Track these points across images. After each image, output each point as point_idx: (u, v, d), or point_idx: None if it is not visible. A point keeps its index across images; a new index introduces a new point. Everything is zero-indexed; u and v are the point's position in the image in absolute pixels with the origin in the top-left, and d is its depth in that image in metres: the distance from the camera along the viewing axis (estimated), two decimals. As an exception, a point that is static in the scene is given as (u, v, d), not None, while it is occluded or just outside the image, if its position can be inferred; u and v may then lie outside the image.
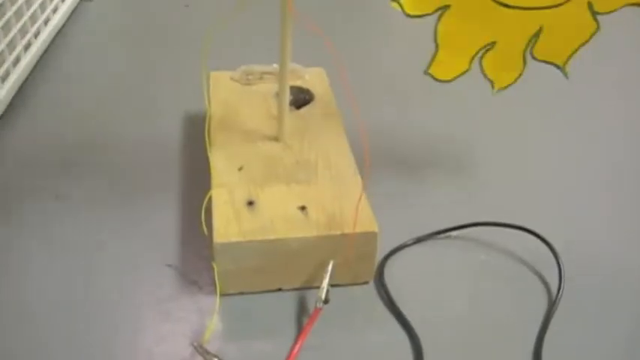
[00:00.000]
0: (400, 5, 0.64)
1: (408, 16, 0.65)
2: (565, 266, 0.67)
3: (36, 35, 1.05)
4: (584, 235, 0.74)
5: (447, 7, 0.66)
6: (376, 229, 0.63)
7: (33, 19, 1.03)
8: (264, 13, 0.75)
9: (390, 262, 0.69)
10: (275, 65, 0.85)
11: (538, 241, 0.70)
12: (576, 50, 0.70)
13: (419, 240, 0.72)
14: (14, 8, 0.95)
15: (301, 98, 0.84)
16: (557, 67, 0.72)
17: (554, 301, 0.64)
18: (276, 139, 0.77)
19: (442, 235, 0.73)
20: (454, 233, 0.73)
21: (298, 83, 0.86)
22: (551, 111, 0.95)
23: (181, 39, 1.15)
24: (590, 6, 0.67)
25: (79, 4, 1.25)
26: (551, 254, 0.69)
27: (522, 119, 0.92)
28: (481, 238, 0.72)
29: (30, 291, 0.64)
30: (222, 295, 0.62)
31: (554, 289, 0.66)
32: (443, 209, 0.77)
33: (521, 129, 0.91)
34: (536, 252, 0.70)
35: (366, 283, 0.66)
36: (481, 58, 0.70)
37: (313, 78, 0.88)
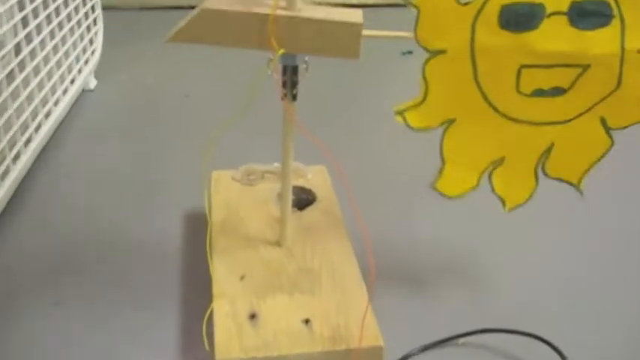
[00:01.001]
0: (404, 119, 0.64)
1: (413, 129, 0.64)
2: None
3: (37, 129, 1.04)
4: (595, 343, 0.72)
5: (452, 120, 0.65)
6: (382, 344, 0.62)
7: (34, 113, 1.03)
8: (265, 111, 0.75)
9: (396, 374, 0.67)
10: (276, 164, 0.85)
11: (548, 348, 0.68)
12: (591, 167, 0.69)
13: (425, 348, 0.70)
14: (15, 105, 0.94)
15: (304, 199, 0.84)
16: (571, 184, 0.70)
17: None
18: (278, 243, 0.76)
19: (449, 343, 0.71)
20: (461, 340, 0.71)
21: (300, 183, 0.86)
22: (561, 216, 0.94)
23: (182, 131, 1.15)
24: (603, 121, 0.66)
25: (80, 94, 1.25)
26: (562, 363, 0.67)
27: (531, 223, 0.91)
28: (490, 345, 0.71)
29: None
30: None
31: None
32: (449, 316, 0.75)
33: (530, 233, 0.90)
34: (546, 360, 0.68)
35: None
36: (490, 174, 0.69)
37: (315, 177, 0.87)
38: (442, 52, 0.62)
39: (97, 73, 1.33)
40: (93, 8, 1.32)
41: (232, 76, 1.33)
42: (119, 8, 1.72)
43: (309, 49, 0.60)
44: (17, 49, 0.99)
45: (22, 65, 0.99)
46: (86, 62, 1.28)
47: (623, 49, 0.62)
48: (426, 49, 0.62)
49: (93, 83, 1.31)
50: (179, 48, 1.39)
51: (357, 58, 0.60)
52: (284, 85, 0.63)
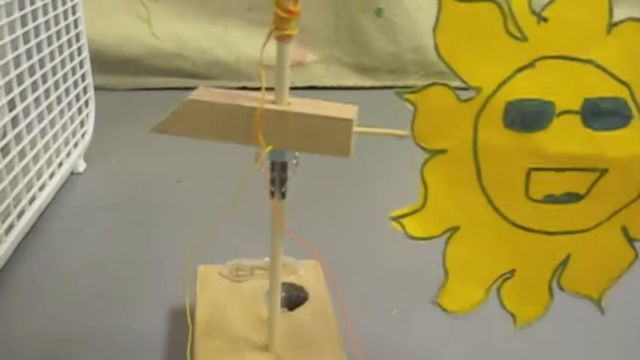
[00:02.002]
0: (402, 226, 0.59)
1: (412, 238, 0.59)
2: None
3: (19, 216, 1.00)
4: None
5: (456, 228, 0.60)
6: None
7: (17, 199, 0.99)
8: (256, 201, 0.71)
9: None
10: (267, 259, 0.80)
11: None
12: (613, 281, 0.62)
13: None
14: (-4, 191, 0.91)
15: (294, 296, 0.79)
16: (591, 300, 0.63)
17: None
18: (266, 348, 0.70)
19: None
20: None
21: (291, 279, 0.81)
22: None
23: (171, 219, 1.11)
24: (624, 231, 0.60)
25: (68, 177, 1.22)
26: None
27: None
28: None
29: None
30: None
31: None
32: None
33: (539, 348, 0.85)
34: None
35: None
36: (499, 288, 0.62)
37: (307, 273, 0.83)
38: (442, 152, 0.57)
39: (87, 156, 1.29)
40: (85, 90, 1.29)
41: (225, 160, 1.29)
42: (112, 88, 1.70)
43: (298, 145, 0.56)
44: (2, 132, 0.95)
45: (6, 149, 0.95)
46: (76, 145, 1.25)
47: None
48: (425, 149, 0.57)
49: (82, 166, 1.27)
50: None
51: (348, 156, 0.56)
52: (272, 182, 0.59)
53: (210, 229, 0.65)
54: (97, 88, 1.34)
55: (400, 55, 1.75)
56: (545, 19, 0.55)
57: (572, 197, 0.59)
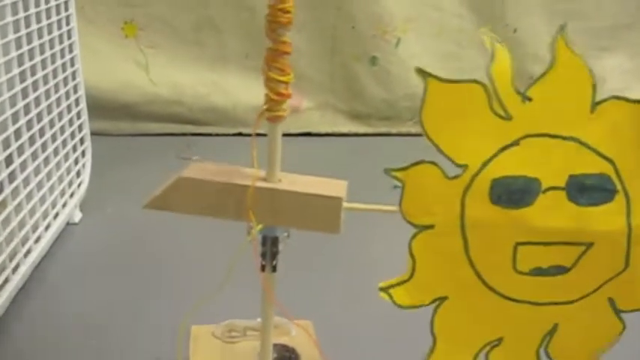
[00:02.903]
0: (389, 296, 0.60)
1: (400, 307, 0.60)
2: None
3: (14, 270, 1.00)
4: None
5: (443, 298, 0.61)
6: None
7: (13, 253, 1.00)
8: (251, 262, 0.72)
9: None
10: (259, 320, 0.81)
11: None
12: (600, 351, 0.63)
13: None
14: (-8, 247, 0.91)
15: (286, 357, 0.80)
16: None
17: None
18: (257, 411, 0.71)
19: None
20: None
21: (284, 340, 0.82)
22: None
23: (165, 274, 1.11)
24: (611, 303, 0.61)
25: (64, 228, 1.22)
26: None
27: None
28: None
29: None
30: None
31: None
32: None
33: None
34: None
35: None
36: (487, 355, 0.63)
37: (300, 334, 0.83)
38: (430, 227, 0.59)
39: (82, 205, 1.30)
40: (82, 140, 1.31)
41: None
42: (108, 134, 1.72)
43: (288, 222, 0.57)
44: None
45: (3, 204, 0.96)
46: (72, 195, 1.26)
47: (629, 226, 0.58)
48: (413, 224, 0.59)
49: (78, 217, 1.28)
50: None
51: (337, 233, 0.57)
52: (263, 256, 0.60)
53: (207, 293, 0.65)
54: (93, 134, 1.35)
55: (394, 103, 1.77)
56: (529, 99, 0.56)
57: (559, 270, 0.60)
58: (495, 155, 0.57)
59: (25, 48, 1.04)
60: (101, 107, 1.65)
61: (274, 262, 0.60)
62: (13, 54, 0.99)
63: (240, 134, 1.76)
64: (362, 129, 1.79)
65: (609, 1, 1.78)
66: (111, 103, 1.71)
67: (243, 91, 1.73)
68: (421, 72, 0.55)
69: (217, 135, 1.76)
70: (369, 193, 1.20)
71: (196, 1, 1.70)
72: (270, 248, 0.60)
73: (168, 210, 0.57)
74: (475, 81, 0.55)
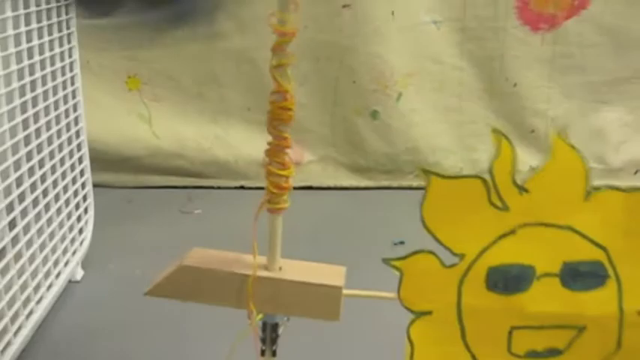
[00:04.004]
0: None
1: None
2: None
3: (16, 333, 1.01)
4: None
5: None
6: None
7: (15, 316, 1.00)
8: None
9: None
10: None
11: None
12: None
13: None
14: (-5, 311, 0.92)
15: None
16: None
17: None
18: None
19: None
20: None
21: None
22: None
23: (164, 337, 1.11)
24: None
25: (66, 286, 1.23)
26: None
27: None
28: None
29: None
30: None
31: None
32: None
33: None
34: None
35: None
36: None
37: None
38: (428, 313, 0.60)
39: (84, 262, 1.31)
40: (85, 197, 1.32)
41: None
42: (111, 186, 1.73)
43: (288, 310, 0.59)
44: (2, 253, 0.97)
45: (6, 268, 0.97)
46: (74, 253, 1.26)
47: (621, 310, 0.60)
48: (411, 311, 0.60)
49: (79, 274, 1.28)
50: (170, 236, 1.38)
51: (336, 320, 0.58)
52: (263, 341, 0.61)
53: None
54: (95, 185, 1.36)
55: (395, 156, 1.78)
56: (526, 190, 0.57)
57: (554, 352, 0.62)
58: (492, 244, 0.58)
59: (31, 112, 1.05)
60: (104, 160, 1.67)
61: (274, 347, 0.61)
62: (19, 119, 1.00)
63: (242, 187, 1.77)
64: (363, 182, 1.80)
65: (608, 55, 1.80)
66: (114, 155, 1.73)
67: (245, 144, 1.75)
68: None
69: (219, 188, 1.77)
70: (371, 247, 1.22)
71: (199, 56, 1.73)
72: (269, 334, 0.61)
73: (170, 297, 0.58)
74: (476, 176, 0.57)
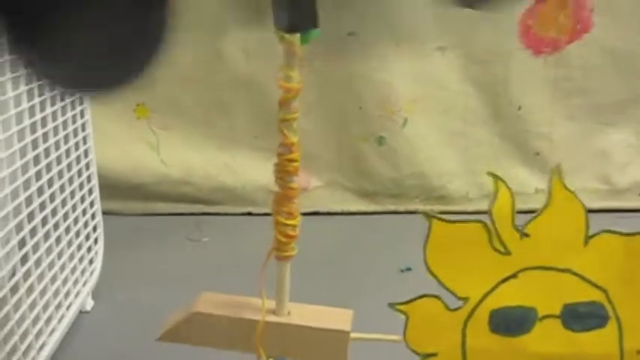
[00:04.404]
0: None
1: None
2: None
3: (30, 366, 1.02)
4: None
5: None
6: None
7: (28, 350, 1.02)
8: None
9: None
10: None
11: None
12: None
13: None
14: (7, 348, 0.93)
15: None
16: None
17: None
18: None
19: None
20: None
21: None
22: None
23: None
24: None
25: (76, 317, 1.24)
26: None
27: None
28: None
29: None
30: None
31: None
32: None
33: None
34: None
35: None
36: None
37: None
38: (433, 355, 0.61)
39: (94, 292, 1.32)
40: (95, 228, 1.34)
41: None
42: (119, 213, 1.75)
43: (296, 354, 0.60)
44: (14, 288, 0.99)
45: (18, 303, 0.99)
46: (84, 284, 1.28)
47: (621, 349, 0.62)
48: (416, 353, 0.61)
49: (90, 305, 1.30)
50: (178, 264, 1.40)
51: (343, 368, 0.60)
52: (272, 382, 0.63)
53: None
54: (105, 213, 1.37)
55: (401, 181, 1.80)
56: (527, 235, 0.59)
57: (555, 390, 0.63)
58: (494, 288, 0.60)
59: (42, 147, 1.07)
60: (112, 187, 1.69)
61: (283, 389, 0.63)
62: (30, 155, 1.02)
63: (249, 214, 1.78)
64: (370, 207, 1.82)
65: (613, 77, 1.81)
66: (122, 183, 1.75)
67: (253, 170, 1.77)
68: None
69: (227, 214, 1.79)
70: (378, 273, 1.22)
71: (206, 84, 1.75)
72: (279, 376, 0.62)
73: (181, 342, 0.60)
74: (477, 221, 0.58)
